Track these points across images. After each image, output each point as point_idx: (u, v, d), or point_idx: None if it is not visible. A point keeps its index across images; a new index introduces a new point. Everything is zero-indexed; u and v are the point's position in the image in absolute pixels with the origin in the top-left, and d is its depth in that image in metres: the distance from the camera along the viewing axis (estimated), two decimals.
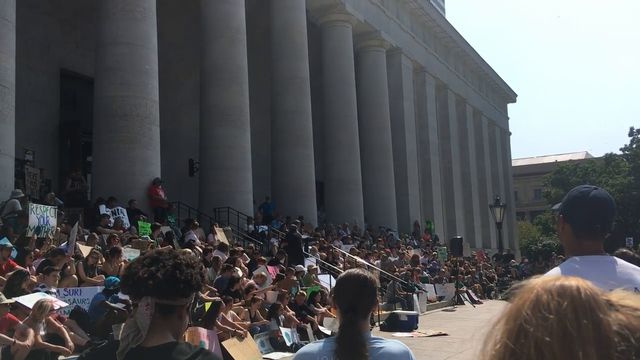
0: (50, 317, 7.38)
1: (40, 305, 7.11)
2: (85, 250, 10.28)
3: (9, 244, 9.15)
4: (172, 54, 20.91)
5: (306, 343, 6.17)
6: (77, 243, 10.25)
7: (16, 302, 7.33)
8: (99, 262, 10.17)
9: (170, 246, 11.06)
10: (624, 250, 3.37)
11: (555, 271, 1.90)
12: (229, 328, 9.21)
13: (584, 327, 0.69)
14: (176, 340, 1.62)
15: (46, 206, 10.61)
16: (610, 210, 1.94)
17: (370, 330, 2.08)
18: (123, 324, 7.49)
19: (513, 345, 0.69)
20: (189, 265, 1.64)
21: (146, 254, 1.70)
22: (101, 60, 14.99)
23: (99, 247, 10.92)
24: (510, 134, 50.96)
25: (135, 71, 14.83)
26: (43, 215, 10.33)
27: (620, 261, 1.92)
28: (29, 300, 7.37)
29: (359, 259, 17.36)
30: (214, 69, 18.27)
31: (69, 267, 9.18)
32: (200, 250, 12.33)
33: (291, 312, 11.12)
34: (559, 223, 2.02)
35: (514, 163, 56.20)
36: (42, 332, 7.18)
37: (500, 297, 22.06)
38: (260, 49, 23.01)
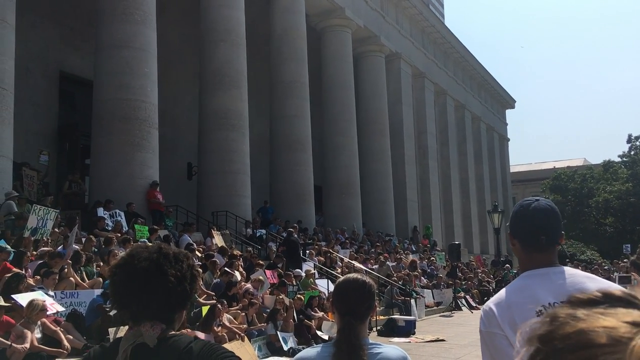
0: (46, 320, 7.36)
1: (30, 304, 7.09)
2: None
3: (8, 247, 9.13)
4: (172, 58, 20.92)
5: (303, 348, 6.15)
6: (75, 245, 10.23)
7: (12, 299, 7.31)
8: (97, 267, 10.14)
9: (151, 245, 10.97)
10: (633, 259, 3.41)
11: (507, 288, 1.91)
12: (226, 332, 9.19)
13: None
14: (179, 333, 1.61)
15: (48, 209, 10.60)
16: (553, 220, 1.93)
17: (368, 335, 2.07)
18: (118, 330, 7.47)
19: None
20: (180, 280, 1.57)
21: (129, 273, 1.57)
22: (100, 64, 15.00)
23: (96, 249, 10.90)
24: (508, 140, 51.04)
25: (135, 74, 14.83)
26: (44, 218, 10.32)
27: (572, 270, 1.92)
28: (24, 298, 7.35)
29: (357, 264, 17.34)
30: (213, 73, 18.29)
31: (66, 270, 9.16)
32: (200, 255, 12.32)
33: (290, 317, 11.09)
34: (510, 239, 2.02)
35: (512, 169, 56.25)
36: (38, 335, 7.16)
37: None
38: (260, 54, 23.06)
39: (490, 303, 1.86)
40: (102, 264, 10.26)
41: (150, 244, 1.79)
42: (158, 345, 1.52)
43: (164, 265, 1.57)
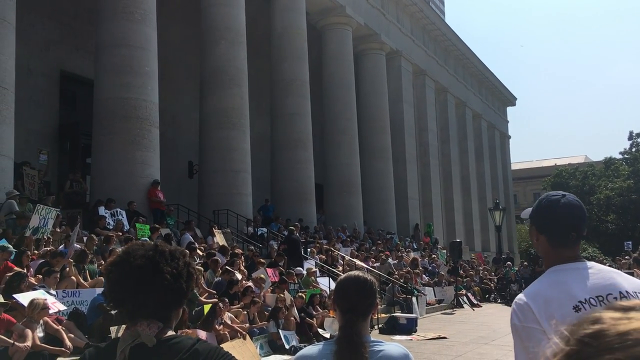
0: (48, 319, 7.37)
1: (31, 303, 7.10)
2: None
3: (10, 247, 9.14)
4: (173, 56, 20.91)
5: (305, 346, 6.15)
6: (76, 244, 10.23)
7: (13, 298, 7.32)
8: (99, 266, 10.15)
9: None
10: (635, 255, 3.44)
11: (539, 282, 1.90)
12: (227, 331, 9.19)
13: None
14: (175, 333, 1.60)
15: (50, 208, 10.62)
16: (582, 216, 1.93)
17: (370, 333, 2.07)
18: (120, 329, 7.47)
19: None
20: (176, 277, 1.56)
21: (125, 270, 1.56)
22: (101, 62, 14.99)
23: (97, 248, 10.90)
24: (509, 137, 51.00)
25: (135, 73, 14.82)
26: (45, 217, 10.34)
27: (598, 266, 1.92)
28: (25, 297, 7.36)
29: (358, 262, 17.34)
30: (214, 71, 18.28)
31: (67, 268, 9.17)
32: (201, 254, 12.33)
33: (293, 315, 11.09)
34: (531, 234, 2.01)
35: (514, 166, 56.23)
36: (40, 334, 7.16)
37: (499, 301, 22.05)
38: (261, 52, 23.04)
39: (525, 297, 1.83)
40: (103, 262, 10.27)
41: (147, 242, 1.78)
42: (158, 345, 1.51)
43: (160, 263, 1.56)
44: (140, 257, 1.56)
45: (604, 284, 1.79)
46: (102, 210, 12.95)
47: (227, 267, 11.67)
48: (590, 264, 1.91)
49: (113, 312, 8.06)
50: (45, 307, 7.24)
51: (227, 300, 9.87)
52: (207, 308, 9.40)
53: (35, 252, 9.86)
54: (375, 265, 18.40)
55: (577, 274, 1.84)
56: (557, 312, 1.73)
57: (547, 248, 1.94)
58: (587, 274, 1.85)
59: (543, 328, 1.73)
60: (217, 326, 9.09)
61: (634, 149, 49.76)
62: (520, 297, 1.85)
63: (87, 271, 9.79)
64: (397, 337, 11.75)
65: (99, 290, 8.94)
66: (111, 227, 12.60)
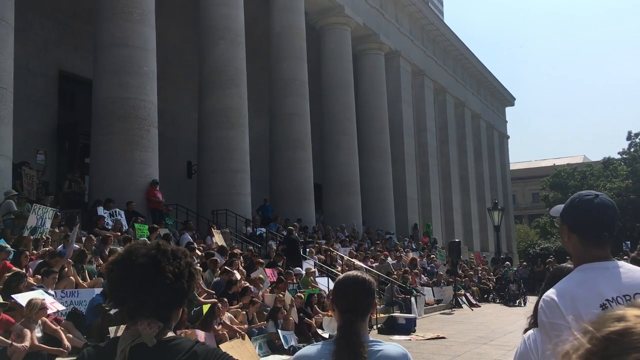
0: (46, 319, 7.36)
1: (29, 303, 7.09)
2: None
3: (8, 247, 9.13)
4: (171, 56, 20.90)
5: (304, 346, 6.15)
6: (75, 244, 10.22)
7: (12, 298, 7.31)
8: (97, 267, 10.14)
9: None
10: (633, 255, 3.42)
11: (567, 280, 1.91)
12: (226, 331, 9.19)
13: None
14: (174, 334, 1.60)
15: (47, 207, 10.61)
16: (615, 216, 1.95)
17: (369, 333, 2.07)
18: (119, 329, 7.47)
19: None
20: (177, 277, 1.56)
21: (127, 269, 1.56)
22: (100, 62, 14.98)
23: (96, 248, 10.89)
24: (508, 137, 51.04)
25: (134, 73, 14.81)
26: (42, 217, 10.33)
27: (628, 265, 1.93)
28: (23, 297, 7.35)
29: (357, 262, 17.34)
30: (213, 71, 18.27)
31: (66, 269, 9.16)
32: (200, 254, 12.31)
33: (292, 315, 11.09)
34: (562, 232, 2.01)
35: (512, 166, 56.28)
36: (38, 334, 7.16)
37: (497, 301, 22.06)
38: (260, 52, 23.03)
39: (552, 294, 1.85)
40: (102, 262, 10.26)
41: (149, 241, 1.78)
42: (158, 346, 1.51)
43: (162, 262, 1.56)
44: (143, 255, 1.56)
45: (632, 283, 1.80)
46: (100, 211, 12.94)
47: (226, 267, 11.67)
48: (620, 263, 1.92)
49: (112, 312, 8.06)
50: (43, 307, 7.23)
51: (226, 300, 9.87)
52: (205, 308, 9.40)
53: (34, 252, 9.84)
54: (374, 265, 18.41)
55: (606, 273, 1.85)
56: (584, 310, 1.75)
57: (578, 247, 1.95)
58: (617, 273, 1.85)
59: (569, 324, 1.75)
60: (215, 326, 9.09)
61: (632, 149, 49.77)
62: (548, 294, 1.87)
63: (86, 271, 9.79)
64: (396, 337, 11.76)
65: (98, 290, 8.93)
66: (110, 227, 12.59)
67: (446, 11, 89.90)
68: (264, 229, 18.16)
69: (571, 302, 1.79)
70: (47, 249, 10.04)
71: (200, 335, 8.45)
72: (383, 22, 28.98)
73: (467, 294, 20.53)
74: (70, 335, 7.61)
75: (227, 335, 9.12)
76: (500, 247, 31.20)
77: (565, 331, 1.75)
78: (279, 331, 10.41)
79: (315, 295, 12.92)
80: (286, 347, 10.10)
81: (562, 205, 2.05)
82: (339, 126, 24.75)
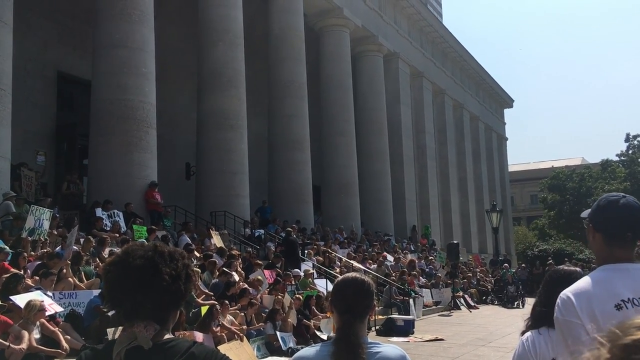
0: (44, 321, 7.35)
1: (27, 305, 7.08)
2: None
3: (6, 248, 9.11)
4: (170, 58, 20.90)
5: (302, 347, 6.15)
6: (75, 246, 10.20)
7: (10, 300, 7.30)
8: (95, 268, 10.12)
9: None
10: None
11: (586, 279, 1.91)
12: (225, 332, 9.18)
13: None
14: (172, 336, 1.59)
15: (44, 209, 10.59)
16: None
17: (367, 334, 2.07)
18: (117, 331, 7.46)
19: None
20: (174, 278, 1.56)
21: (124, 270, 1.56)
22: (98, 63, 14.97)
23: (94, 250, 10.88)
24: (506, 139, 51.11)
25: (133, 74, 14.81)
26: (40, 218, 10.31)
27: None
28: (22, 299, 7.34)
29: (355, 264, 17.34)
30: (211, 73, 18.27)
31: (64, 270, 9.15)
32: (199, 255, 12.31)
33: (290, 317, 11.08)
34: (588, 232, 2.03)
35: (511, 168, 56.33)
36: (36, 335, 7.15)
37: (496, 303, 22.06)
38: (259, 54, 23.03)
39: (569, 292, 1.86)
40: (101, 264, 10.24)
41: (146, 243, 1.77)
42: (154, 348, 1.50)
43: (159, 264, 1.55)
44: (140, 257, 1.56)
45: None
46: (99, 212, 12.92)
47: (224, 268, 11.66)
48: None
49: (110, 313, 8.05)
50: (41, 309, 7.22)
51: (227, 302, 9.86)
52: (204, 310, 9.39)
53: (32, 253, 9.83)
54: (372, 266, 18.40)
55: (625, 274, 1.86)
56: (598, 309, 1.76)
57: (601, 246, 1.96)
58: (636, 274, 1.86)
59: (582, 323, 1.76)
60: (214, 328, 9.08)
61: (630, 151, 49.87)
62: (565, 292, 1.88)
63: (83, 272, 9.77)
64: (394, 339, 11.75)
65: (96, 292, 8.92)
66: (108, 229, 12.57)
67: (445, 13, 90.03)
68: (262, 231, 18.15)
69: (587, 301, 1.81)
70: (45, 250, 10.02)
71: (199, 336, 8.44)
72: (382, 24, 29.01)
73: (466, 296, 20.53)
74: (69, 337, 7.60)
75: (225, 337, 9.11)
76: (498, 249, 31.20)
77: (579, 329, 1.76)
78: (278, 333, 10.40)
79: (314, 296, 12.91)
80: (284, 349, 10.10)
81: None
82: (338, 128, 24.76)
